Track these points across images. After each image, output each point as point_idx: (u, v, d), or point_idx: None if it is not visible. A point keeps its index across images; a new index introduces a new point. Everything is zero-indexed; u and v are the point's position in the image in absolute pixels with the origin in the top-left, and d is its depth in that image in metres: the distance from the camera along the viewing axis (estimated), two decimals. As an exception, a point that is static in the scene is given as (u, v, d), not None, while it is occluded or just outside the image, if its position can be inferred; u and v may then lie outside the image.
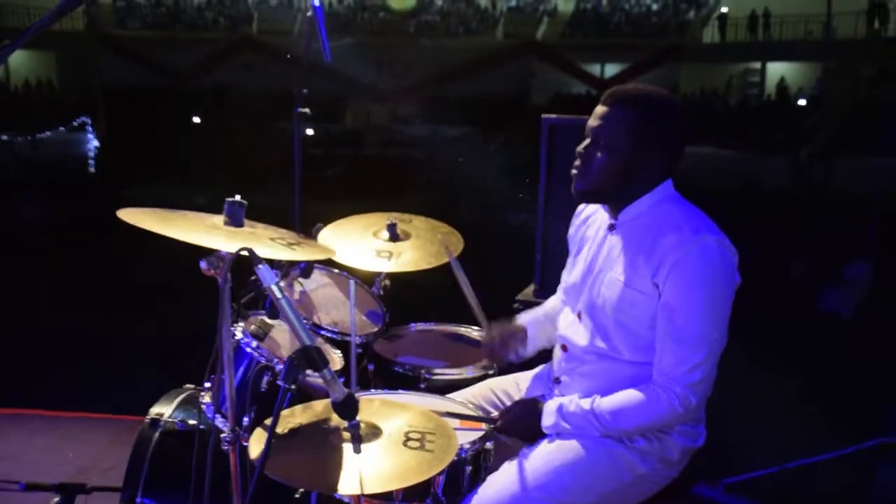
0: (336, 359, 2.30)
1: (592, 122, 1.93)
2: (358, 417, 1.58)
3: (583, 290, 2.04)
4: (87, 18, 25.31)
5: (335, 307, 2.51)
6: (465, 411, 2.09)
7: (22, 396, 4.02)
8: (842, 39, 20.32)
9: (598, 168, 1.91)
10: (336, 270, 2.59)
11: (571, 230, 2.22)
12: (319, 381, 2.10)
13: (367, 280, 2.61)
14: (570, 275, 2.15)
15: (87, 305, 5.90)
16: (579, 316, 2.05)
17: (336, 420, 1.66)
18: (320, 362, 1.43)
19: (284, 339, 2.25)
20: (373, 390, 2.29)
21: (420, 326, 2.78)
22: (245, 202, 1.76)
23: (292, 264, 2.22)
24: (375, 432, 1.64)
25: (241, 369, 2.08)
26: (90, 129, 17.14)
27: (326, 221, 2.55)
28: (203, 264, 1.69)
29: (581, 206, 2.21)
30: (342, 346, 2.39)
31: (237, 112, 17.72)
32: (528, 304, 2.99)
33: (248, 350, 2.07)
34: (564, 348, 2.09)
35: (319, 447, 1.60)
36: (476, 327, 2.77)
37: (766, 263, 6.12)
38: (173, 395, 2.49)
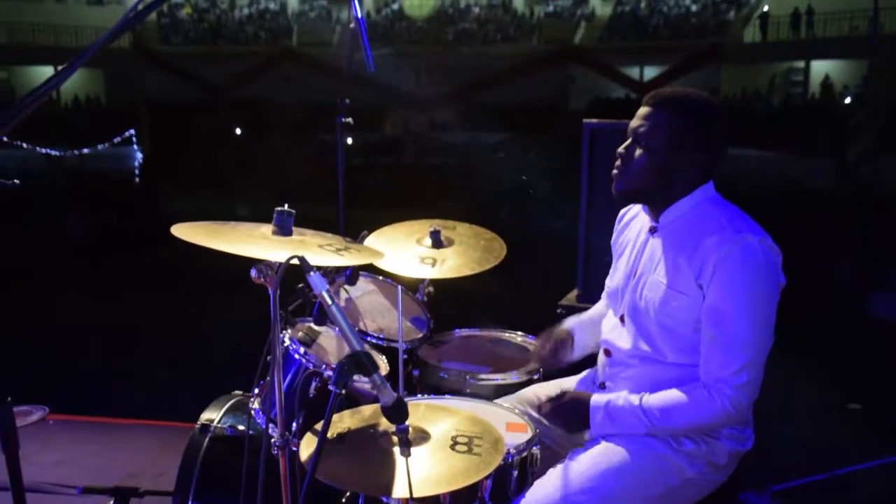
0: (382, 365, 2.33)
1: (634, 123, 1.95)
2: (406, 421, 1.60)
3: (625, 294, 2.04)
4: (133, 35, 25.94)
5: (380, 314, 2.54)
6: (512, 416, 2.10)
7: (72, 403, 4.13)
8: (889, 34, 19.78)
9: (638, 168, 1.92)
10: (381, 277, 2.63)
11: (614, 235, 2.22)
12: (367, 386, 2.14)
13: (411, 287, 2.64)
14: (613, 279, 2.15)
15: (134, 314, 6.04)
16: (622, 319, 2.05)
17: (384, 424, 1.68)
18: (370, 367, 1.45)
19: (331, 346, 2.28)
20: (419, 396, 2.31)
21: (464, 332, 2.79)
22: (293, 211, 1.80)
23: (338, 271, 2.26)
24: (423, 436, 1.66)
25: (290, 375, 2.11)
26: (136, 143, 17.57)
27: (370, 229, 2.58)
28: (253, 272, 1.73)
29: (623, 211, 2.21)
30: (387, 352, 2.42)
31: (278, 123, 18.00)
32: (572, 309, 2.98)
33: (297, 356, 2.11)
34: (608, 353, 2.09)
35: (368, 451, 1.63)
36: (520, 333, 2.78)
37: (811, 267, 6.00)
38: (222, 401, 2.53)
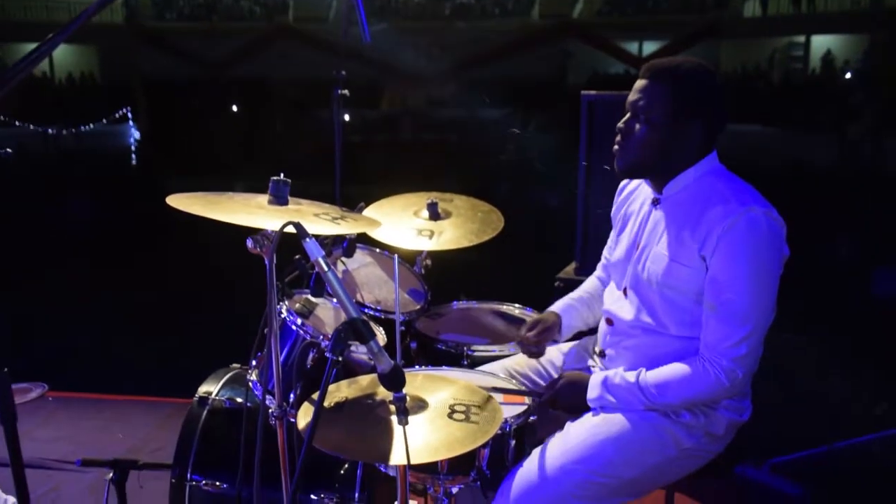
0: (380, 335, 2.32)
1: (631, 96, 1.94)
2: (403, 390, 1.60)
3: (628, 266, 2.04)
4: (126, 11, 25.69)
5: (378, 286, 2.53)
6: (510, 386, 2.10)
7: (70, 380, 4.14)
8: (891, 8, 19.58)
9: (638, 142, 1.90)
10: (378, 249, 2.62)
11: (614, 207, 2.21)
12: (364, 356, 2.14)
13: (408, 259, 2.63)
14: (615, 251, 2.14)
15: (132, 291, 6.04)
16: (625, 292, 2.04)
17: (382, 393, 1.68)
18: (367, 334, 1.45)
19: (329, 317, 2.28)
20: (416, 367, 2.31)
21: (462, 304, 2.79)
22: (289, 180, 1.78)
23: (335, 243, 2.24)
24: (421, 405, 1.66)
25: (287, 347, 2.11)
26: (131, 120, 17.47)
27: (368, 203, 2.57)
28: (249, 243, 1.72)
29: (623, 183, 2.20)
30: (385, 324, 2.41)
31: (275, 100, 17.88)
32: (570, 282, 2.99)
33: (294, 328, 2.10)
34: (610, 322, 2.09)
35: (366, 420, 1.63)
36: (518, 305, 2.78)
37: (812, 245, 6.00)
38: (220, 374, 2.54)
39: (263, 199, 1.83)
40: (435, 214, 2.52)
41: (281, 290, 2.14)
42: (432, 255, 2.68)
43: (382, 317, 2.38)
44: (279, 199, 1.78)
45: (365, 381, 1.80)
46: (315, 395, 1.56)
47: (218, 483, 2.29)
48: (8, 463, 1.53)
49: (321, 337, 2.09)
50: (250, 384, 2.17)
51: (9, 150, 1.43)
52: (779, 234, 1.83)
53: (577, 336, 2.33)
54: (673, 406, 1.92)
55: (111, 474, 2.30)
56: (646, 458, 1.91)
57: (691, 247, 1.86)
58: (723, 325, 1.83)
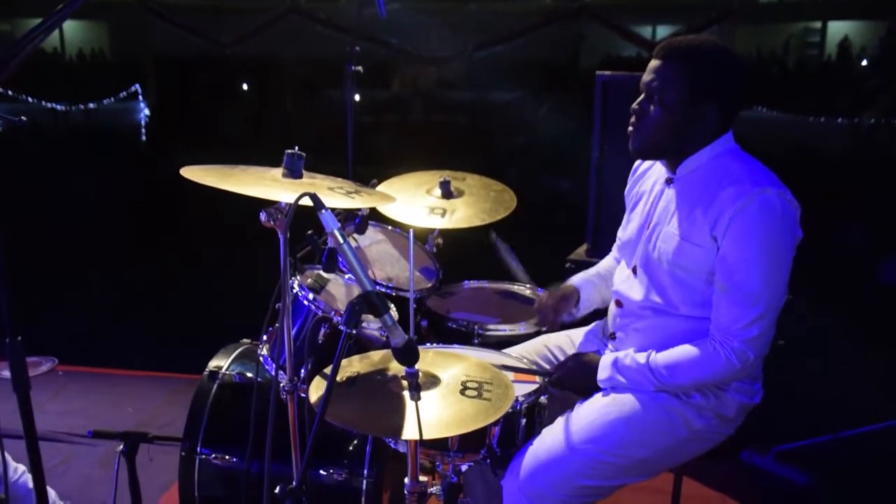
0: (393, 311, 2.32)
1: (645, 77, 1.91)
2: (416, 366, 1.59)
3: (638, 245, 2.02)
4: (138, -12, 25.63)
5: (389, 263, 2.52)
6: (520, 364, 2.10)
7: (80, 354, 4.16)
8: (911, -6, 19.30)
9: (653, 123, 1.88)
10: (390, 227, 2.61)
11: (628, 187, 2.19)
12: (375, 332, 2.13)
13: (420, 237, 2.62)
14: (626, 230, 2.12)
15: (143, 266, 6.06)
16: (634, 271, 2.03)
17: (394, 369, 1.68)
18: (381, 307, 1.44)
19: (340, 293, 2.27)
20: (428, 344, 2.31)
21: (473, 284, 2.79)
22: (303, 154, 1.77)
23: (348, 219, 2.23)
24: (433, 381, 1.66)
25: (299, 321, 2.11)
26: (141, 97, 17.46)
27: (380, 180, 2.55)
28: (262, 216, 1.71)
29: (638, 162, 2.18)
30: (396, 302, 2.41)
31: (286, 80, 17.81)
32: (581, 264, 2.98)
33: (306, 303, 2.10)
34: (619, 304, 2.07)
35: (378, 395, 1.63)
36: (529, 285, 2.77)
37: (825, 231, 5.96)
38: (230, 349, 2.55)
39: (278, 172, 1.82)
40: (447, 193, 2.50)
41: (293, 266, 2.13)
42: (444, 233, 2.67)
43: (394, 294, 2.37)
44: (293, 173, 1.77)
45: (377, 356, 1.79)
46: (327, 370, 1.55)
47: (227, 457, 2.30)
48: (20, 434, 1.53)
49: (333, 312, 2.09)
50: (261, 359, 2.18)
51: (23, 117, 1.42)
52: (792, 216, 1.81)
53: (588, 320, 2.32)
54: (683, 387, 1.91)
55: (121, 447, 2.31)
56: (656, 439, 1.91)
57: (703, 226, 1.84)
58: (734, 306, 1.81)
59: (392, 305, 2.26)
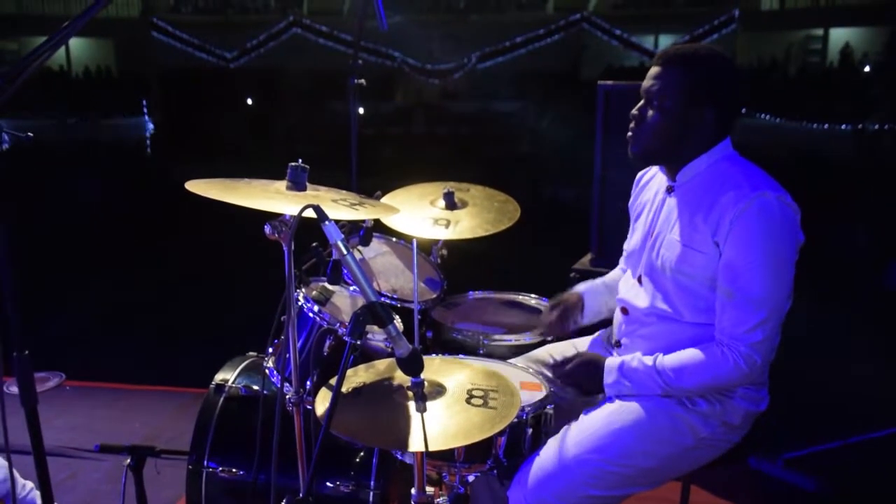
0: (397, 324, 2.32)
1: (645, 83, 1.93)
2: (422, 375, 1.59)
3: (642, 254, 2.03)
4: (142, 5, 25.81)
5: (394, 274, 2.53)
6: (525, 373, 2.10)
7: (86, 369, 4.17)
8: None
9: (651, 128, 1.90)
10: (395, 238, 2.62)
11: (632, 198, 2.20)
12: (380, 343, 2.14)
13: (424, 248, 2.63)
14: (631, 240, 2.14)
15: (146, 280, 6.08)
16: (639, 280, 2.03)
17: (399, 378, 1.68)
18: (386, 318, 1.45)
19: (345, 304, 2.28)
20: (432, 355, 2.31)
21: (478, 294, 2.79)
22: (307, 166, 1.78)
23: (352, 231, 2.24)
24: (439, 390, 1.66)
25: (304, 333, 2.11)
26: (146, 113, 17.57)
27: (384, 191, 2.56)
28: (267, 228, 1.72)
29: (641, 173, 2.19)
30: (401, 313, 2.41)
31: (289, 93, 17.92)
32: (585, 273, 2.98)
33: (311, 315, 2.10)
34: (625, 311, 2.08)
35: (383, 406, 1.62)
36: (534, 295, 2.77)
37: (830, 237, 5.95)
38: (236, 361, 2.55)
39: (282, 184, 1.83)
40: (451, 204, 2.51)
41: (298, 278, 2.14)
42: (448, 244, 2.68)
43: (399, 305, 2.38)
44: (297, 185, 1.78)
45: (382, 365, 1.80)
46: (332, 382, 1.56)
47: (234, 470, 2.30)
48: (28, 450, 1.53)
49: (338, 324, 2.09)
50: (267, 371, 2.18)
51: (30, 133, 1.43)
52: (792, 220, 1.81)
53: (594, 329, 2.32)
54: (689, 391, 1.90)
55: (129, 461, 2.31)
56: (662, 448, 1.90)
57: (704, 232, 1.85)
58: (738, 310, 1.81)
59: (396, 316, 2.28)
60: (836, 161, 11.71)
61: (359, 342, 1.40)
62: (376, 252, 2.59)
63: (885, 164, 11.44)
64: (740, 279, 1.80)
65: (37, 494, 2.32)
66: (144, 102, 17.69)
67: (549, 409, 1.97)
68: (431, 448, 1.50)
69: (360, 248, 2.46)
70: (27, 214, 7.02)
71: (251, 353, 2.61)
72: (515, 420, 1.82)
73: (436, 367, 1.75)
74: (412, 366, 1.53)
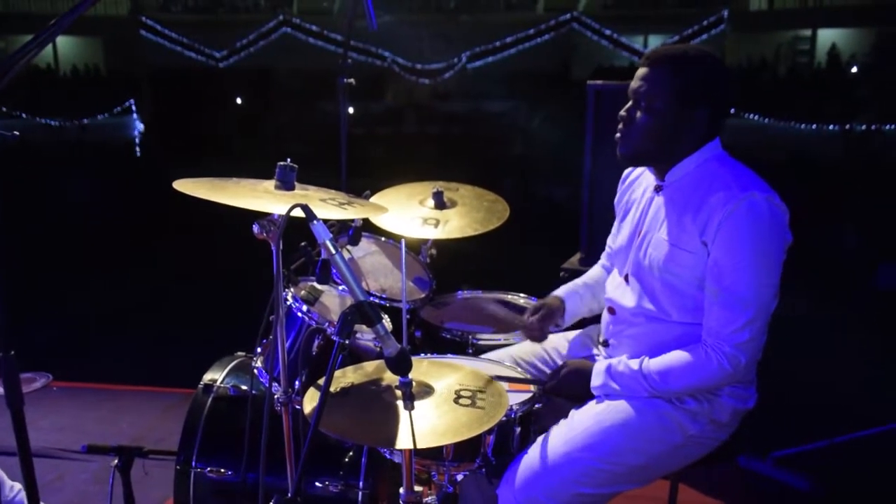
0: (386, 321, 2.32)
1: (633, 84, 1.93)
2: (409, 376, 1.60)
3: (629, 253, 2.03)
4: (131, 3, 25.69)
5: (383, 274, 2.53)
6: (514, 374, 2.10)
7: (74, 370, 4.15)
8: (898, 2, 19.45)
9: (640, 130, 1.90)
10: (383, 238, 2.61)
11: (617, 196, 2.21)
12: (369, 343, 2.14)
13: (413, 248, 2.63)
14: (617, 238, 2.14)
15: (135, 280, 6.06)
16: (626, 279, 2.04)
17: (388, 379, 1.68)
18: (374, 317, 1.45)
19: (334, 304, 2.28)
20: (421, 354, 2.31)
21: (467, 294, 2.79)
22: (295, 166, 1.78)
23: (341, 231, 2.24)
24: (427, 390, 1.66)
25: (293, 333, 2.11)
26: (135, 112, 17.47)
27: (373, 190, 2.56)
28: (255, 228, 1.72)
29: (627, 171, 2.20)
30: (390, 313, 2.41)
31: (279, 92, 17.87)
32: (574, 273, 2.97)
33: (300, 314, 2.10)
34: (612, 311, 2.08)
35: (371, 405, 1.63)
36: (523, 294, 2.78)
37: (819, 236, 5.99)
38: (225, 362, 2.54)
39: (270, 184, 1.83)
40: (440, 203, 2.51)
41: (286, 278, 2.14)
42: (437, 244, 2.68)
43: (387, 305, 2.38)
44: (286, 185, 1.78)
45: (370, 366, 1.80)
46: (320, 381, 1.56)
47: (223, 470, 2.30)
48: (14, 451, 1.52)
49: (327, 324, 2.09)
50: (255, 371, 2.18)
51: (16, 132, 1.42)
52: (780, 220, 1.82)
53: (581, 324, 2.33)
54: (676, 393, 1.91)
55: (116, 461, 2.30)
56: (651, 446, 1.91)
57: (692, 232, 1.86)
58: (725, 310, 1.82)
59: (385, 316, 2.28)
60: (824, 161, 11.78)
61: (347, 341, 1.40)
62: (365, 251, 2.59)
63: (874, 165, 11.52)
64: (728, 279, 1.81)
65: (24, 496, 2.30)
66: (133, 102, 17.60)
67: (538, 408, 1.97)
68: (420, 445, 1.51)
69: (348, 247, 2.46)
70: (13, 214, 6.97)
71: (240, 353, 2.60)
72: (504, 418, 1.82)
73: (424, 369, 1.76)
74: (400, 365, 1.53)
